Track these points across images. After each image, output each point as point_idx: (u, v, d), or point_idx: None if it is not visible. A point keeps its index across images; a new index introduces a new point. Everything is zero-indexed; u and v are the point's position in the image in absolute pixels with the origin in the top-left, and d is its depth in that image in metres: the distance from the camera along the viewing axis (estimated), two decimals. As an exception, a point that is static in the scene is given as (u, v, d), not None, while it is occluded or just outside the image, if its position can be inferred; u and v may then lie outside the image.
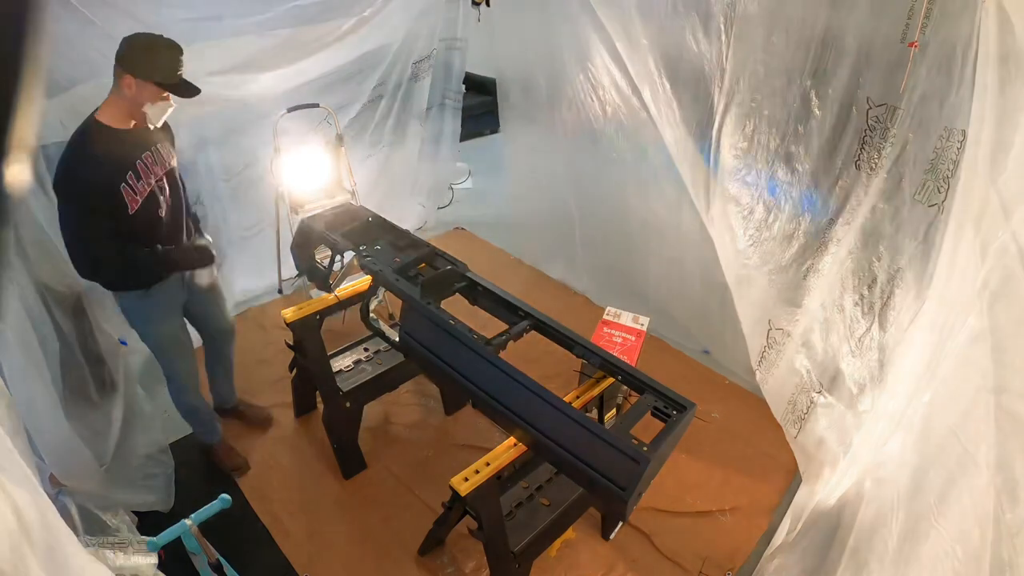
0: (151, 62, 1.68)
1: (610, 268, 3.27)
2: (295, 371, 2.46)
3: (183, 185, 2.02)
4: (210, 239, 2.07)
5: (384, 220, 2.24)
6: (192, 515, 1.56)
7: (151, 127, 1.81)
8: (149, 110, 1.74)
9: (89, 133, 1.69)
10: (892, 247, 1.76)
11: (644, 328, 2.34)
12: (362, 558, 2.03)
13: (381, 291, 2.09)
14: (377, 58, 3.21)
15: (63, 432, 1.68)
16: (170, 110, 1.81)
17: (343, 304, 2.29)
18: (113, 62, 1.69)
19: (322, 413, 2.41)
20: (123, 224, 1.76)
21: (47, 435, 1.61)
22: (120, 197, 1.72)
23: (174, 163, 1.96)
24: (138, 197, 1.77)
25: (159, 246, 1.89)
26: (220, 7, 2.30)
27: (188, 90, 1.77)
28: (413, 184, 3.96)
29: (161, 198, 1.86)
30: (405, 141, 3.67)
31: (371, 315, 2.07)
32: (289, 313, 2.17)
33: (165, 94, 1.75)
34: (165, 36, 1.71)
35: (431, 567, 2.01)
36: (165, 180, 1.88)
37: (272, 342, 2.98)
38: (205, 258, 1.98)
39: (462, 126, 3.95)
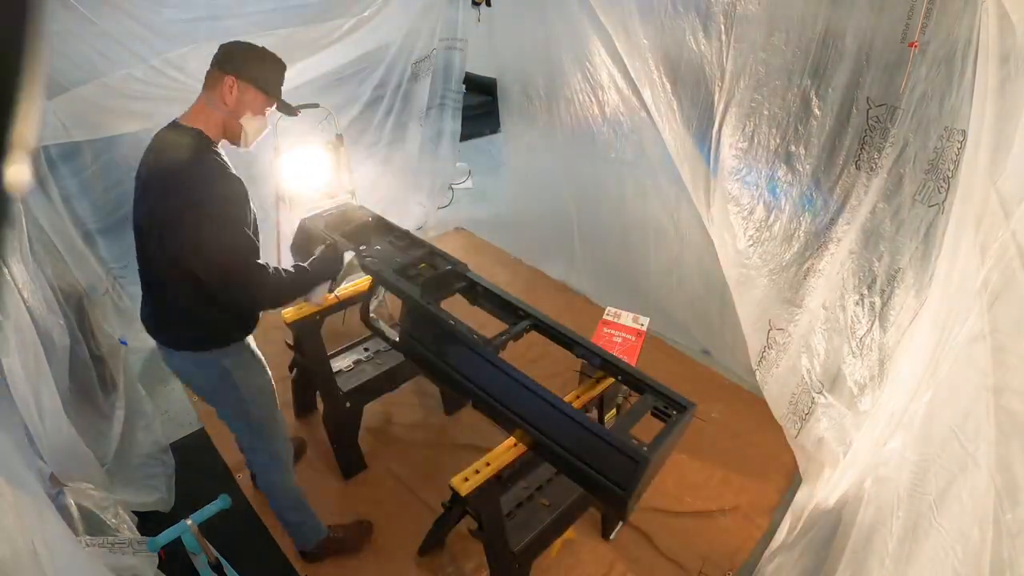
0: (260, 67, 1.49)
1: (610, 268, 3.27)
2: (295, 371, 2.46)
3: None
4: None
5: (384, 220, 2.24)
6: (192, 515, 1.56)
7: (241, 148, 1.56)
8: (247, 124, 1.50)
9: (201, 140, 1.44)
10: (893, 247, 1.76)
11: (644, 328, 2.34)
12: (362, 558, 2.03)
13: (381, 291, 2.09)
14: (377, 58, 3.21)
15: (65, 432, 1.67)
16: (265, 132, 1.58)
17: (343, 304, 2.28)
18: (208, 68, 1.47)
19: (322, 413, 2.41)
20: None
21: (49, 435, 1.61)
22: (253, 216, 1.50)
23: None
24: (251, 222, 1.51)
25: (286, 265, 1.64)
26: (220, 7, 2.30)
27: (288, 109, 1.60)
28: (413, 184, 3.96)
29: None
30: (405, 141, 3.67)
31: (371, 315, 2.07)
32: (289, 313, 2.17)
33: (267, 108, 1.54)
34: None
35: (431, 567, 2.01)
36: None
37: (272, 342, 2.97)
38: (338, 262, 1.76)
39: (462, 126, 3.95)
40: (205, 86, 1.48)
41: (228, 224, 1.39)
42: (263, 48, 1.51)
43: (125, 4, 1.99)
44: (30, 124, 0.26)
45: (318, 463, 2.38)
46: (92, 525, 1.66)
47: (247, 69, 1.47)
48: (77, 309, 2.08)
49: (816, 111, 1.87)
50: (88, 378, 2.04)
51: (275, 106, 1.56)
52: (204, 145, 1.43)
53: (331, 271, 1.73)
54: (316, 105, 2.87)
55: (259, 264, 1.45)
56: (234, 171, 1.47)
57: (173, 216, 1.38)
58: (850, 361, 1.94)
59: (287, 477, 1.84)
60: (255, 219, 1.51)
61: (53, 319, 1.78)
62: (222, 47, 1.49)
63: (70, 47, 1.93)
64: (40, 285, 1.75)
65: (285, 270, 1.55)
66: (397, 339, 1.89)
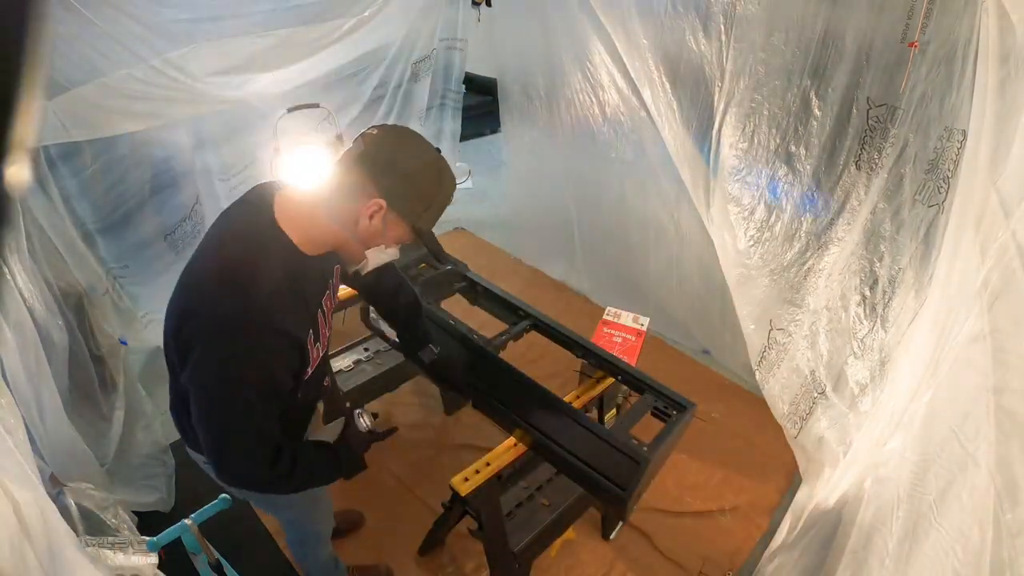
0: (428, 198, 1.08)
1: (610, 268, 3.27)
2: (295, 371, 2.46)
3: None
4: (373, 417, 1.40)
5: (384, 220, 2.24)
6: (192, 515, 1.56)
7: (349, 270, 1.22)
8: (373, 255, 1.13)
9: (274, 261, 1.02)
10: (893, 247, 1.76)
11: (644, 328, 2.34)
12: (362, 558, 2.03)
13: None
14: (377, 58, 3.21)
15: (66, 431, 1.68)
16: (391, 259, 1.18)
17: (343, 304, 2.28)
18: (352, 153, 1.05)
19: (322, 414, 2.41)
20: (290, 410, 1.15)
21: (50, 434, 1.61)
22: (305, 358, 1.10)
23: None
24: (309, 370, 1.15)
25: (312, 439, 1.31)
26: (220, 7, 2.29)
27: (434, 246, 1.27)
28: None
29: (325, 369, 1.26)
30: (405, 141, 3.66)
31: (371, 315, 2.07)
32: (289, 313, 2.17)
33: (405, 243, 1.15)
34: (443, 157, 1.10)
35: (431, 567, 2.01)
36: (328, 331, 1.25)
37: (272, 342, 2.98)
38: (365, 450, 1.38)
39: (462, 126, 3.95)
40: (335, 180, 1.06)
41: (246, 376, 1.00)
42: (442, 163, 1.09)
43: (125, 4, 1.99)
44: (30, 124, 0.26)
45: (318, 463, 2.38)
46: (92, 525, 1.66)
47: (411, 199, 1.06)
48: (77, 309, 2.08)
49: (816, 111, 1.87)
50: (88, 378, 2.04)
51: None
52: (266, 255, 1.02)
53: (354, 469, 1.34)
54: (316, 105, 2.87)
55: (261, 458, 1.06)
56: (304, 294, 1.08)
57: (189, 343, 1.01)
58: (851, 362, 1.94)
59: (323, 551, 1.69)
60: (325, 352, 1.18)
61: (52, 319, 1.78)
62: (384, 139, 1.05)
63: (70, 47, 1.92)
64: (39, 285, 1.75)
65: (300, 460, 1.13)
66: (397, 339, 1.89)
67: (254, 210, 1.08)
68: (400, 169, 1.04)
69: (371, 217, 1.05)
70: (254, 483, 1.17)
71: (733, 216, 2.19)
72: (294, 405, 1.15)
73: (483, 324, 1.76)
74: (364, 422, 1.32)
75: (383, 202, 1.03)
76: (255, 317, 0.98)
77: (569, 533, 2.07)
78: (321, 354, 1.18)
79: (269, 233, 1.04)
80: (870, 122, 1.74)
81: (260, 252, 1.02)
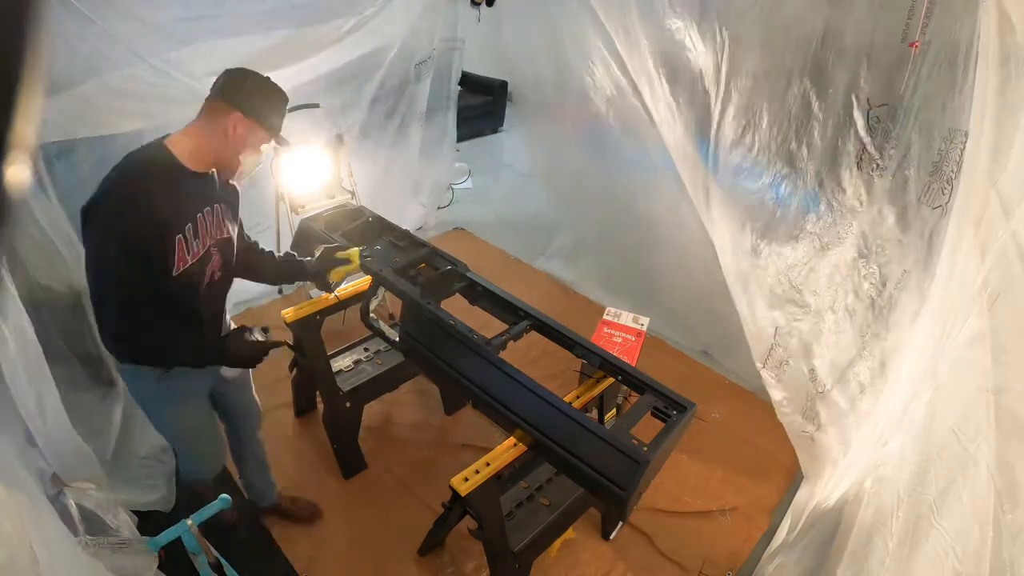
0: (267, 103, 1.42)
1: (610, 268, 3.28)
2: (295, 371, 2.46)
3: (233, 262, 1.61)
4: (263, 331, 1.58)
5: (384, 220, 2.24)
6: (192, 515, 1.56)
7: (229, 181, 1.51)
8: (246, 159, 1.45)
9: (156, 162, 1.33)
10: (896, 249, 1.76)
11: (644, 328, 2.34)
12: (362, 558, 2.03)
13: (381, 291, 2.09)
14: (378, 59, 3.21)
15: (67, 431, 1.67)
16: (260, 164, 1.52)
17: (343, 304, 2.28)
18: (210, 93, 1.40)
19: (322, 413, 2.41)
20: (159, 286, 1.36)
21: (51, 435, 1.61)
22: (171, 249, 1.33)
23: (233, 233, 1.57)
24: (188, 258, 1.38)
25: (202, 330, 1.53)
26: (221, 7, 2.29)
27: (284, 142, 1.52)
28: (413, 184, 3.96)
29: (207, 269, 1.47)
30: (405, 141, 3.67)
31: (371, 315, 2.07)
32: (289, 313, 2.17)
33: (267, 144, 1.49)
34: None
35: (431, 567, 2.01)
36: (217, 250, 1.50)
37: (272, 342, 2.98)
38: (256, 358, 1.54)
39: (463, 126, 3.96)
40: (204, 112, 1.39)
41: (117, 253, 1.27)
42: (268, 79, 1.44)
43: (125, 3, 1.98)
44: (30, 124, 0.26)
45: (318, 463, 2.38)
46: (92, 525, 1.66)
47: (256, 106, 1.39)
48: (74, 308, 2.08)
49: (816, 111, 1.87)
50: (84, 377, 2.04)
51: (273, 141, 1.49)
52: (147, 164, 1.33)
53: (241, 360, 1.53)
54: (316, 105, 2.87)
55: (138, 304, 1.34)
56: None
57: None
58: (852, 362, 1.94)
59: (196, 470, 1.85)
60: (201, 256, 1.41)
61: (54, 319, 1.77)
62: (227, 75, 1.40)
63: (70, 46, 1.92)
64: (37, 285, 1.75)
65: (189, 332, 1.47)
66: (397, 339, 1.89)
67: (149, 144, 1.38)
68: (243, 86, 1.40)
69: (235, 128, 1.37)
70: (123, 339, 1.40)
71: (733, 218, 2.18)
72: (166, 295, 1.39)
73: (483, 324, 1.76)
74: (254, 336, 1.52)
75: (239, 113, 1.36)
76: (124, 188, 1.28)
77: (569, 533, 2.07)
78: (198, 255, 1.42)
79: (156, 152, 1.34)
80: (871, 122, 1.74)
81: (145, 160, 1.33)
